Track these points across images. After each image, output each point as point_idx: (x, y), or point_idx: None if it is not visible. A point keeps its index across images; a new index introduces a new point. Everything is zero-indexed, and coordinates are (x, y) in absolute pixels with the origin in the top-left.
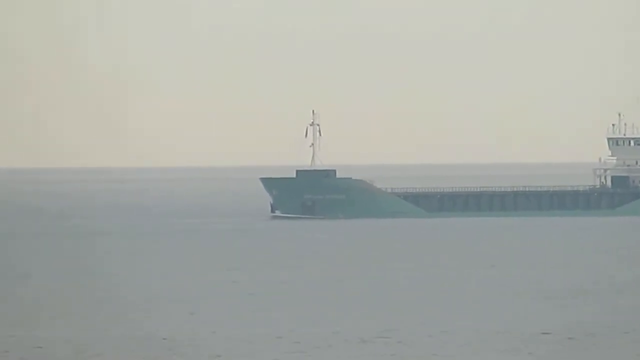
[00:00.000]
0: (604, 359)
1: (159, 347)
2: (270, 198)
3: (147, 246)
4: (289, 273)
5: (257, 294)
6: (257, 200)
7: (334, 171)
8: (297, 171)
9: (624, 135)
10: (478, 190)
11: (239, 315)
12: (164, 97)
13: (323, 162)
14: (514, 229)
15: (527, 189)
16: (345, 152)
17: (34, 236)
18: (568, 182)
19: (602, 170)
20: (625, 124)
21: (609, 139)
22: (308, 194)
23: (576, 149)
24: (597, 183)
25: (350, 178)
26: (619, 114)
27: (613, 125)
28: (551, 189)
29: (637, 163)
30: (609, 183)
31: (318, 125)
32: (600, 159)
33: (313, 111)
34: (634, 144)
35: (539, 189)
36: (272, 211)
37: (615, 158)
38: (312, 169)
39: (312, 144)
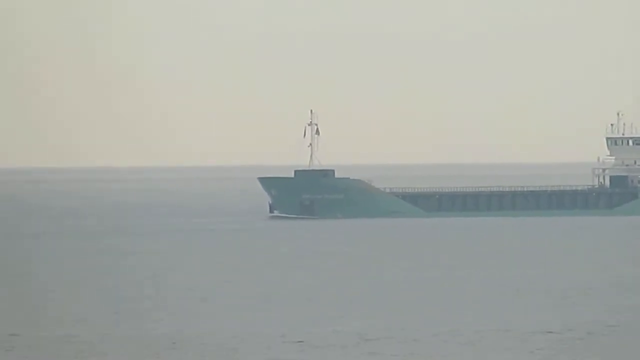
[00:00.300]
0: (606, 358)
1: (162, 346)
2: (268, 198)
3: (145, 246)
4: (288, 273)
5: (256, 294)
6: (255, 200)
7: (333, 171)
8: (295, 171)
9: (623, 135)
10: (476, 190)
11: (239, 315)
12: (163, 96)
13: (321, 162)
14: (513, 229)
15: (525, 189)
16: (343, 152)
17: (31, 236)
18: (566, 181)
19: (601, 170)
20: (624, 124)
21: (607, 138)
22: (306, 193)
23: (575, 149)
24: (596, 183)
25: (349, 178)
26: (618, 114)
27: (612, 125)
28: (550, 189)
29: (635, 163)
30: (607, 183)
31: (316, 125)
32: (598, 159)
33: (311, 111)
34: (633, 144)
35: (537, 189)
36: (271, 211)
37: (613, 158)
38: (311, 168)
39: (311, 144)
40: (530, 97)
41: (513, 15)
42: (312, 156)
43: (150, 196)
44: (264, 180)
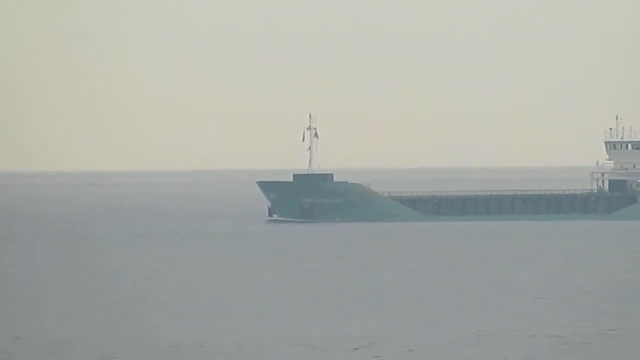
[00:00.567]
0: None
1: (161, 349)
2: (267, 202)
3: (143, 250)
4: (287, 276)
5: (255, 298)
6: (254, 203)
7: (331, 175)
8: (294, 175)
9: (622, 139)
10: (475, 194)
11: (239, 318)
12: (162, 99)
13: (320, 165)
14: (511, 233)
15: (524, 193)
16: (342, 156)
17: (24, 241)
18: (565, 185)
19: (600, 174)
20: (623, 128)
21: (606, 142)
22: (305, 197)
23: (573, 153)
24: (595, 187)
25: (347, 182)
26: (617, 118)
27: (610, 129)
28: (548, 193)
29: (634, 167)
30: (606, 187)
31: (315, 128)
32: (597, 163)
33: (310, 115)
34: (632, 148)
35: (536, 193)
36: (270, 215)
37: (612, 162)
38: (309, 172)
39: (309, 148)
40: (529, 101)
41: (512, 17)
42: (310, 160)
43: (148, 200)
44: (262, 184)
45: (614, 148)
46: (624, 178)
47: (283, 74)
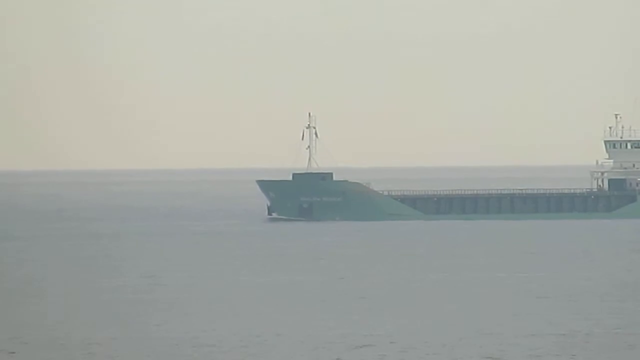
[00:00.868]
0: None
1: (163, 348)
2: (267, 200)
3: (143, 248)
4: (287, 275)
5: (255, 296)
6: (254, 202)
7: (331, 174)
8: (293, 174)
9: (621, 138)
10: (475, 192)
11: (239, 316)
12: (161, 98)
13: (320, 164)
14: (511, 232)
15: (524, 192)
16: (342, 155)
17: (29, 239)
18: (565, 184)
19: (599, 173)
20: (622, 127)
21: (606, 141)
22: (305, 196)
23: (573, 152)
24: (594, 186)
25: (347, 181)
26: (616, 117)
27: (610, 128)
28: (548, 192)
29: (634, 166)
30: (606, 186)
31: (314, 127)
32: (597, 162)
33: (309, 114)
34: (631, 147)
35: (536, 192)
36: (269, 214)
37: (612, 161)
38: (309, 171)
39: (309, 147)
40: (529, 100)
41: (512, 17)
42: (310, 159)
43: (148, 199)
44: (262, 183)
45: (614, 147)
46: (623, 177)
47: (282, 73)
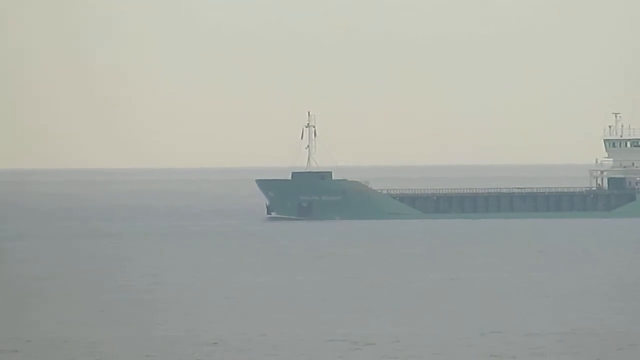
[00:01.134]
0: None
1: (163, 347)
2: (266, 200)
3: (142, 248)
4: (287, 274)
5: (254, 296)
6: (253, 201)
7: (330, 173)
8: (293, 173)
9: (621, 136)
10: (474, 191)
11: (239, 316)
12: (161, 98)
13: (319, 163)
14: (510, 231)
15: (523, 191)
16: (341, 154)
17: (32, 238)
18: (564, 183)
19: (599, 172)
20: (621, 126)
21: (605, 140)
22: (304, 195)
23: (573, 151)
24: (594, 185)
25: (346, 180)
26: (616, 116)
27: (609, 126)
28: (547, 191)
29: (633, 165)
30: (605, 185)
31: (314, 126)
32: (596, 161)
33: (309, 113)
34: (631, 146)
35: (535, 191)
36: (269, 213)
37: (611, 160)
38: (308, 170)
39: (308, 146)
40: (528, 99)
41: (511, 18)
42: (309, 158)
43: (146, 198)
44: (261, 182)
45: (613, 146)
46: (622, 176)
47: (282, 73)
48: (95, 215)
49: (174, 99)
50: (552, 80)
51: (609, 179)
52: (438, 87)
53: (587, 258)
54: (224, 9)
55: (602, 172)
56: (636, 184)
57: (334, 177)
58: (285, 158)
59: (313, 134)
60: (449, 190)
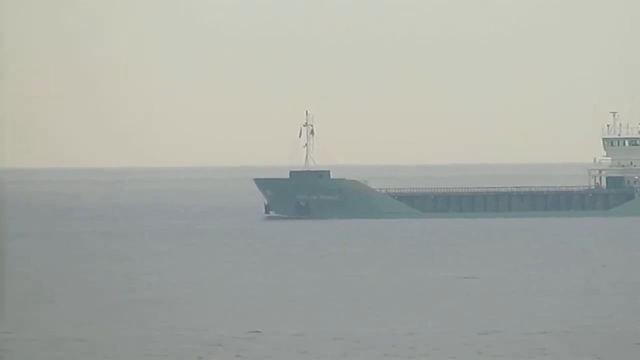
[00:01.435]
0: (605, 357)
1: (165, 345)
2: (264, 199)
3: (140, 247)
4: (285, 273)
5: (253, 295)
6: (251, 200)
7: (328, 172)
8: (291, 172)
9: (619, 135)
10: (472, 190)
11: (240, 314)
12: (158, 96)
13: (317, 162)
14: (509, 230)
15: (521, 190)
16: (339, 153)
17: (30, 236)
18: (563, 182)
19: (597, 171)
20: (620, 125)
21: (603, 139)
22: (302, 194)
23: (571, 150)
24: (592, 184)
25: (344, 179)
26: (614, 115)
27: (608, 125)
28: (545, 190)
29: (632, 164)
30: (603, 184)
31: (311, 125)
32: (595, 160)
33: (307, 112)
34: (629, 145)
35: (533, 190)
36: (266, 212)
37: (610, 158)
38: (306, 169)
39: (306, 145)
40: (526, 98)
41: (510, 17)
42: (307, 157)
43: (144, 197)
44: (259, 181)
45: (611, 145)
46: (621, 175)
47: (280, 72)
48: (94, 214)
49: (173, 98)
50: (551, 80)
51: (608, 178)
52: (438, 87)
53: (586, 257)
54: (224, 9)
55: (600, 171)
56: (634, 182)
57: (331, 176)
58: (283, 157)
59: (311, 133)
60: (447, 190)
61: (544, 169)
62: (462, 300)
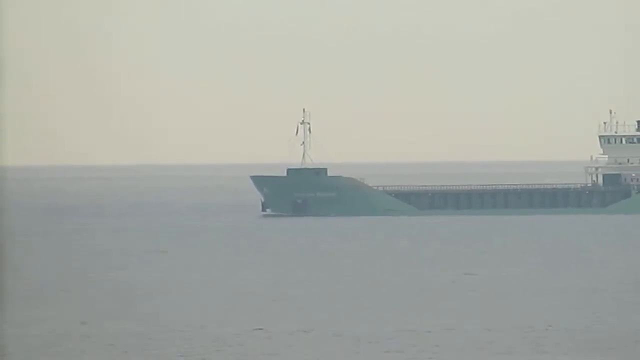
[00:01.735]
0: (604, 355)
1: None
2: (261, 196)
3: (137, 245)
4: (282, 271)
5: (251, 292)
6: (247, 198)
7: (325, 169)
8: (288, 169)
9: (616, 133)
10: (469, 188)
11: (239, 313)
12: (156, 94)
13: (314, 160)
14: (506, 227)
15: (518, 187)
16: (336, 150)
17: (31, 234)
18: (559, 180)
19: (594, 168)
20: (616, 122)
21: (600, 136)
22: (299, 192)
23: (568, 147)
24: (589, 181)
25: (341, 176)
26: (611, 112)
27: (604, 123)
28: (542, 187)
29: (628, 161)
30: (600, 181)
31: (309, 123)
32: (591, 157)
33: (304, 109)
34: (626, 142)
35: (530, 187)
36: (263, 209)
37: (606, 156)
38: (303, 167)
39: (303, 142)
40: (524, 96)
41: (509, 15)
42: (304, 154)
43: (140, 194)
44: (256, 179)
45: (608, 142)
46: (618, 172)
47: (277, 69)
48: (93, 212)
49: (173, 96)
50: (550, 80)
51: (604, 175)
52: (437, 86)
53: (583, 254)
54: (221, 6)
55: (597, 168)
56: (631, 180)
57: (329, 174)
58: (280, 154)
59: (308, 131)
60: (444, 187)
61: (541, 166)
62: (461, 297)
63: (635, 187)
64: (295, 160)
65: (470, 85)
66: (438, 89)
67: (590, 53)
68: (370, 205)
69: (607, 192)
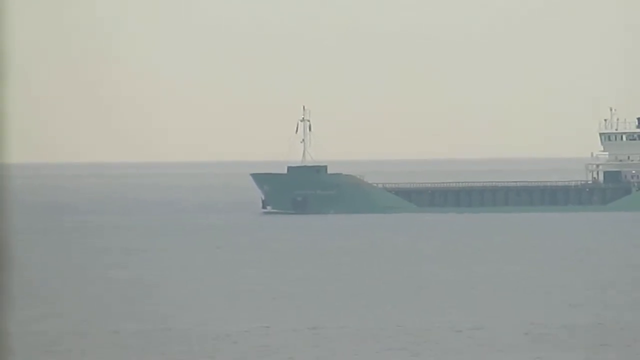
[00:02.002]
0: (603, 354)
1: (163, 341)
2: (261, 194)
3: (137, 242)
4: (282, 269)
5: (251, 290)
6: (248, 196)
7: (325, 167)
8: (288, 167)
9: (616, 130)
10: (470, 185)
11: (239, 311)
12: (156, 91)
13: (314, 157)
14: (506, 225)
15: (518, 184)
16: (336, 148)
17: (32, 232)
18: (560, 177)
19: (594, 166)
20: (617, 119)
21: (601, 134)
22: (299, 189)
23: (568, 144)
24: (589, 178)
25: (341, 174)
26: (611, 109)
27: (605, 120)
28: (543, 184)
29: (629, 158)
30: (601, 178)
31: (309, 121)
32: (592, 154)
33: (304, 107)
34: (626, 139)
35: (530, 185)
36: (264, 207)
37: (607, 153)
38: (303, 164)
39: (303, 140)
40: (523, 93)
41: (508, 13)
42: (304, 152)
43: (141, 192)
44: (256, 176)
45: (609, 139)
46: (618, 169)
47: (277, 67)
48: (93, 209)
49: (173, 94)
50: (548, 75)
51: (605, 173)
52: (437, 84)
53: (583, 252)
54: (224, 9)
55: (597, 165)
56: (632, 177)
57: (329, 171)
58: (280, 152)
59: (308, 128)
60: (444, 184)
61: (542, 163)
62: (461, 295)
63: (636, 184)
64: (296, 157)
65: (470, 84)
66: (438, 88)
67: (590, 51)
68: (371, 203)
69: (607, 190)
